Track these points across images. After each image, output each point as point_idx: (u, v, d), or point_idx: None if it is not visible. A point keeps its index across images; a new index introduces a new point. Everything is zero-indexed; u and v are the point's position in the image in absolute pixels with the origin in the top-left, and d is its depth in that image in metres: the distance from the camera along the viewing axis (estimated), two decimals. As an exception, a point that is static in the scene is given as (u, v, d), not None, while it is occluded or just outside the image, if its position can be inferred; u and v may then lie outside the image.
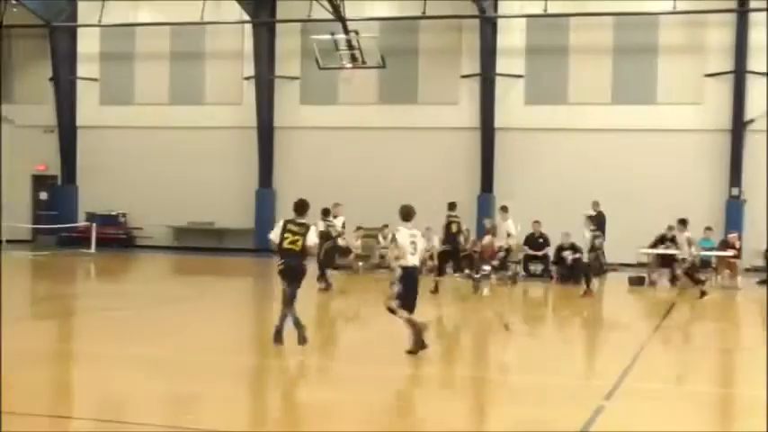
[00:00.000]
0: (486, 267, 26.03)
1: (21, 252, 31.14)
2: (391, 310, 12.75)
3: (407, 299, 12.68)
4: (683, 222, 23.26)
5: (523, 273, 26.18)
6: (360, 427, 9.06)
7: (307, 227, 13.16)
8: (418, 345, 12.49)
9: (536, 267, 26.23)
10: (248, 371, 12.32)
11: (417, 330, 12.52)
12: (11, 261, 24.37)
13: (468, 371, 12.90)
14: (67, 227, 34.85)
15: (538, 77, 31.69)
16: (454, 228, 22.41)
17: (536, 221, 26.56)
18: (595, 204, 26.07)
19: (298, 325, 13.04)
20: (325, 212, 22.27)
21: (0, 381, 9.53)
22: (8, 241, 31.17)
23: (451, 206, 22.72)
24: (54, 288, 21.93)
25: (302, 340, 12.93)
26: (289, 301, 13.09)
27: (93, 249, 31.89)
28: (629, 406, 10.08)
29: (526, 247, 26.39)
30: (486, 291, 22.43)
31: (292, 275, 13.10)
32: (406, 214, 13.12)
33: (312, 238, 13.14)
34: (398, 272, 12.70)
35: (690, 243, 23.35)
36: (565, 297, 23.25)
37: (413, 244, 12.71)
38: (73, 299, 20.31)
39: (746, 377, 12.36)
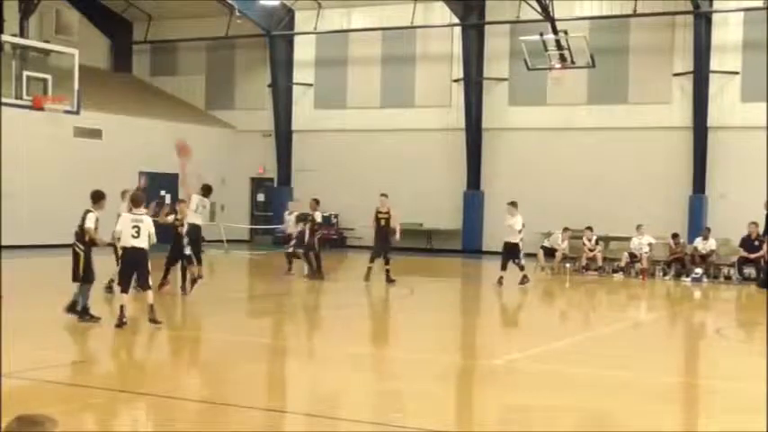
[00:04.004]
0: (698, 270, 25.43)
1: (239, 251, 32.62)
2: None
3: (123, 276, 14.45)
4: None
5: (738, 276, 25.30)
6: None
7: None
8: (121, 322, 13.99)
9: (750, 271, 25.24)
10: (456, 371, 12.52)
11: (122, 309, 14.08)
12: (232, 260, 25.57)
13: (673, 376, 12.68)
14: (283, 227, 36.11)
15: (755, 73, 30.43)
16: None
17: (752, 223, 25.55)
18: None
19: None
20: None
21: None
22: (228, 241, 32.67)
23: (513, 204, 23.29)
24: (269, 286, 22.86)
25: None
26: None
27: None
28: None
29: (741, 250, 25.51)
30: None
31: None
32: (135, 200, 14.56)
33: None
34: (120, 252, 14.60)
35: None
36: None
37: (135, 228, 14.03)
38: (287, 296, 21.12)
39: None
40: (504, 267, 22.64)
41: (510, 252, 22.68)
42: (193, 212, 18.92)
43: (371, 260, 22.84)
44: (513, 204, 23.25)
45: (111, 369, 12.04)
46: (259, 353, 13.47)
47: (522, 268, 22.52)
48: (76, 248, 14.64)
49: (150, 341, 14.05)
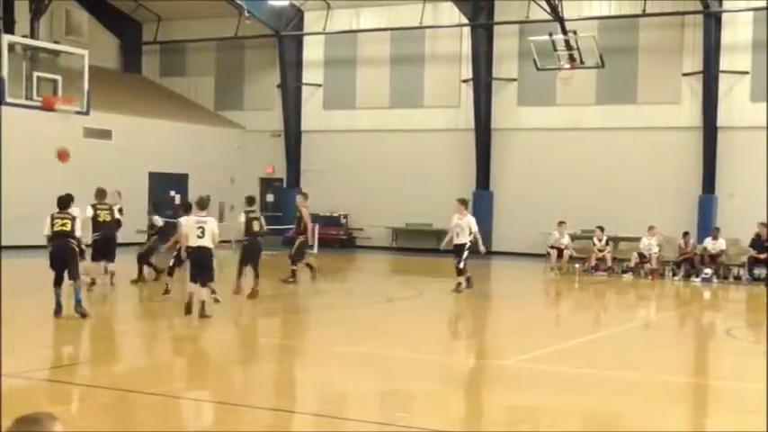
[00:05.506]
0: (708, 271, 25.38)
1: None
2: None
3: (192, 273, 15.44)
4: None
5: (748, 276, 25.23)
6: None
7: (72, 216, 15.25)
8: (198, 312, 15.07)
9: (761, 271, 25.14)
10: (464, 371, 12.52)
11: (189, 300, 15.26)
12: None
13: (683, 377, 12.65)
14: (291, 227, 36.09)
15: (765, 73, 30.25)
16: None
17: (762, 223, 25.53)
18: None
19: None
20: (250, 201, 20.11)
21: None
22: (237, 241, 32.65)
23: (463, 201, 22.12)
24: (280, 286, 22.83)
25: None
26: (57, 281, 14.92)
27: (315, 249, 32.95)
28: None
29: (751, 250, 25.44)
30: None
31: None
32: (200, 204, 15.75)
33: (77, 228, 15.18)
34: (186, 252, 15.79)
35: None
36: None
37: (199, 228, 15.24)
38: (296, 297, 21.12)
39: None
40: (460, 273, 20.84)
41: (458, 253, 20.89)
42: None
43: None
44: (463, 202, 21.97)
45: (119, 369, 12.04)
46: (265, 353, 13.48)
47: (460, 272, 20.81)
48: (73, 245, 15.07)
49: (156, 341, 14.06)
